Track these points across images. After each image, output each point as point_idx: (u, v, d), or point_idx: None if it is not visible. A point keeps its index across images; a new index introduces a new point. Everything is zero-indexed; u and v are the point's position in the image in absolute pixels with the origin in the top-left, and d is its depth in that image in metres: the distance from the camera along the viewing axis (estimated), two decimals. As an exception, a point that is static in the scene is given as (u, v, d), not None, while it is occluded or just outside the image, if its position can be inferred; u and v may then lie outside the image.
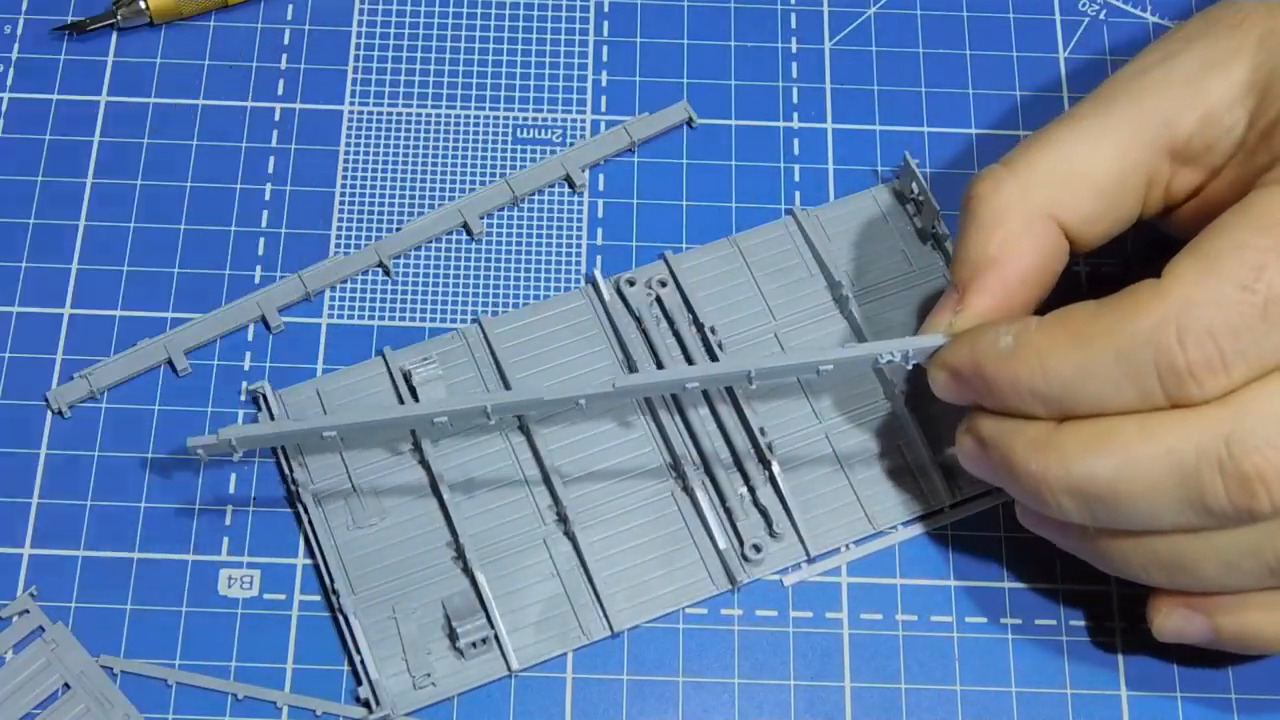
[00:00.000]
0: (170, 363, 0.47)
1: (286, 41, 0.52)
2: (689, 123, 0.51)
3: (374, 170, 0.50)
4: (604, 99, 0.52)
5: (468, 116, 0.51)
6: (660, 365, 0.47)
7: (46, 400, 0.46)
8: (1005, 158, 0.42)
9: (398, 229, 0.49)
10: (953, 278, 0.42)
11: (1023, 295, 0.42)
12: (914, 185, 0.49)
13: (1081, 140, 0.41)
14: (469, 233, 0.49)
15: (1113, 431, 0.37)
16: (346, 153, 0.51)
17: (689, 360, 0.47)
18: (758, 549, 0.44)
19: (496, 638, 0.43)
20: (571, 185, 0.50)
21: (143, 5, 0.51)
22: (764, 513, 0.45)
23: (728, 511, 0.45)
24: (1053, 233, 0.42)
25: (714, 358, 0.47)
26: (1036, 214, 0.41)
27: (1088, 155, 0.41)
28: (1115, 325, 0.37)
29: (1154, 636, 0.41)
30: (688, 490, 0.45)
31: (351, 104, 0.51)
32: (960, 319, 0.41)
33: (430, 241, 0.49)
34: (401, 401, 0.46)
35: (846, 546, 0.45)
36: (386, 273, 0.49)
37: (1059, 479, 0.38)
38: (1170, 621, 0.41)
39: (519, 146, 0.51)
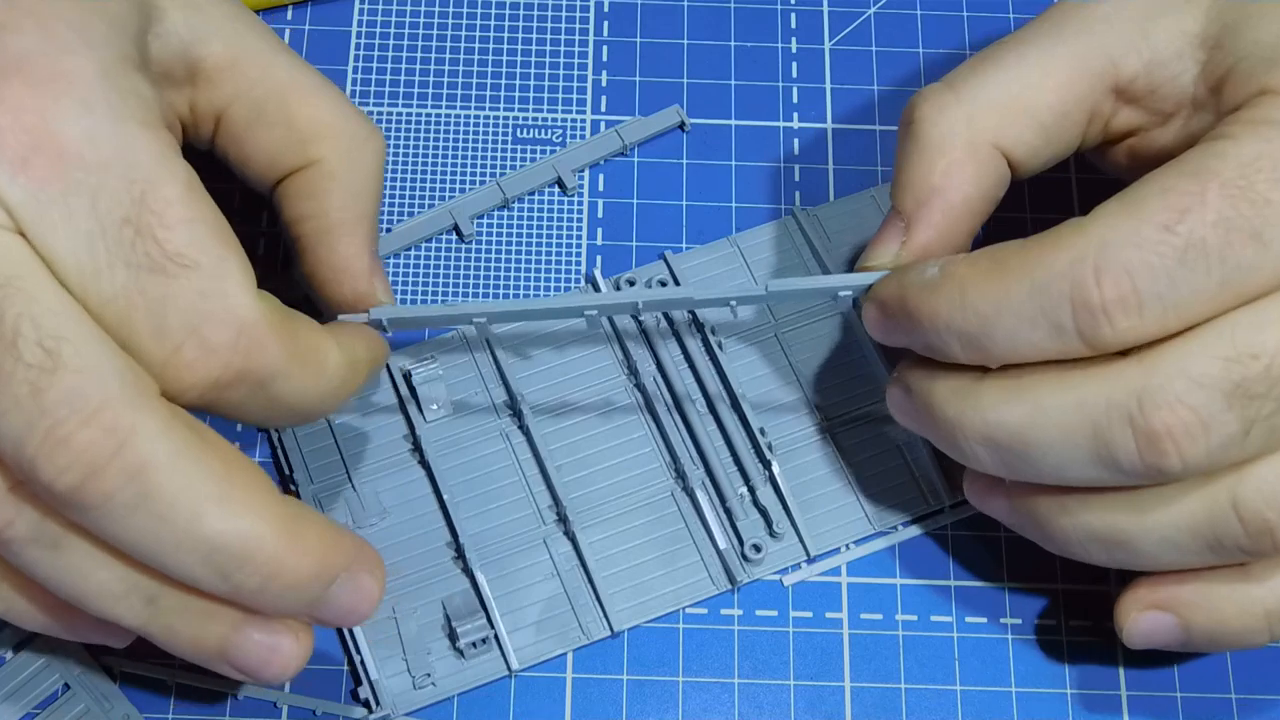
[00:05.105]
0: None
1: (285, 41, 0.52)
2: (681, 126, 0.51)
3: (374, 170, 0.50)
4: (604, 99, 0.52)
5: (468, 117, 0.51)
6: (661, 365, 0.47)
7: None
8: (948, 78, 0.42)
9: (389, 230, 0.49)
10: (894, 203, 0.42)
11: (966, 224, 0.42)
12: (914, 185, 0.49)
13: (1026, 70, 0.41)
14: (459, 234, 0.49)
15: (1029, 381, 0.37)
16: (346, 153, 0.51)
17: (690, 361, 0.47)
18: (758, 549, 0.44)
19: (496, 638, 0.43)
20: (563, 188, 0.50)
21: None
22: (764, 513, 0.45)
23: (728, 511, 0.45)
24: (996, 161, 0.41)
25: (714, 358, 0.47)
26: (981, 142, 0.41)
27: (1032, 86, 0.41)
28: (1035, 258, 0.37)
29: (1125, 644, 0.41)
30: (688, 490, 0.45)
31: (351, 104, 0.51)
32: (905, 252, 0.41)
33: (423, 242, 0.49)
34: (400, 401, 0.46)
35: (846, 546, 0.45)
36: (375, 274, 0.49)
37: (973, 426, 0.38)
38: (1140, 626, 0.40)
39: (519, 146, 0.51)
